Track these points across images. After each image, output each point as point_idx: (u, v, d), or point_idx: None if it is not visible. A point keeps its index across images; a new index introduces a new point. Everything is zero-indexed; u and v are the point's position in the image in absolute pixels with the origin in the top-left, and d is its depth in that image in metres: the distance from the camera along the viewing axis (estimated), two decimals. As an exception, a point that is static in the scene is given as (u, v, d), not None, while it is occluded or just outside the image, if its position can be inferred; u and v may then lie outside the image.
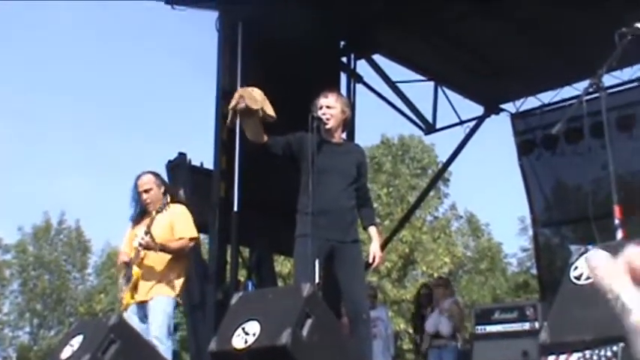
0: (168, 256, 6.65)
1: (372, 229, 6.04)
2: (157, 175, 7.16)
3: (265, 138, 5.79)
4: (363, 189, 6.08)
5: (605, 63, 4.75)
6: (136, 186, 6.94)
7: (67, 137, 50.48)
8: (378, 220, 6.26)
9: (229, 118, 5.78)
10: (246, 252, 11.52)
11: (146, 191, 6.87)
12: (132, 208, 6.95)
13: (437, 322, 10.55)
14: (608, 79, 5.19)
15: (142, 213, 6.87)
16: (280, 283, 17.62)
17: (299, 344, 4.36)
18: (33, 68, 49.81)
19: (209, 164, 10.38)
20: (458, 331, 10.47)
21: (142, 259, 6.64)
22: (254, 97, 5.62)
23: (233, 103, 5.65)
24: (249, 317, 4.59)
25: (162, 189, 6.95)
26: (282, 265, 24.90)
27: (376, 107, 13.73)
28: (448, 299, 10.71)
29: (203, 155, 10.80)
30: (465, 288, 32.19)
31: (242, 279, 11.63)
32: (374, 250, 5.91)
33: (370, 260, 5.94)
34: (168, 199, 6.80)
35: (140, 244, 6.55)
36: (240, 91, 5.69)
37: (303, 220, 5.71)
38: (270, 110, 5.67)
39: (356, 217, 5.95)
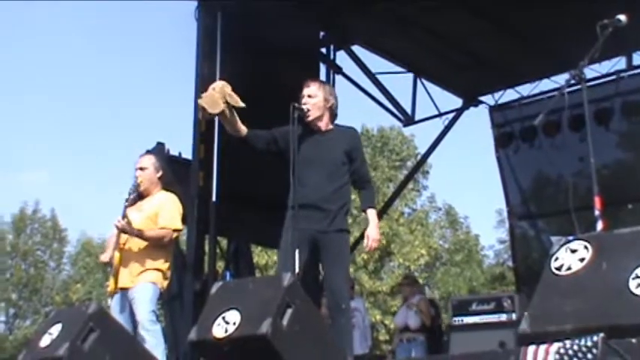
0: (149, 244, 6.58)
1: (371, 212, 6.03)
2: (157, 157, 7.10)
3: (244, 132, 5.79)
4: (358, 172, 6.05)
5: (586, 55, 4.77)
6: (135, 164, 6.88)
7: (41, 127, 50.05)
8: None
9: (201, 117, 5.77)
10: (224, 243, 11.50)
11: (141, 169, 6.80)
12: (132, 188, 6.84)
13: (405, 316, 10.69)
14: (586, 73, 5.20)
15: (138, 196, 6.78)
16: (258, 274, 17.63)
17: (279, 334, 4.36)
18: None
19: (187, 154, 10.34)
20: (426, 325, 10.54)
21: (123, 244, 6.58)
22: (214, 100, 5.60)
23: (199, 114, 5.67)
24: (230, 306, 4.59)
25: (159, 173, 6.88)
26: (260, 256, 24.89)
27: (356, 98, 13.70)
28: (416, 295, 10.84)
29: (181, 145, 10.77)
30: (442, 280, 32.29)
31: (220, 270, 11.61)
32: (369, 232, 5.92)
33: (365, 243, 5.95)
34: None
35: (116, 226, 6.49)
36: (200, 101, 5.67)
37: (287, 213, 5.71)
38: (235, 101, 5.65)
39: (343, 206, 5.91)
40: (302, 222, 5.57)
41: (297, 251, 5.40)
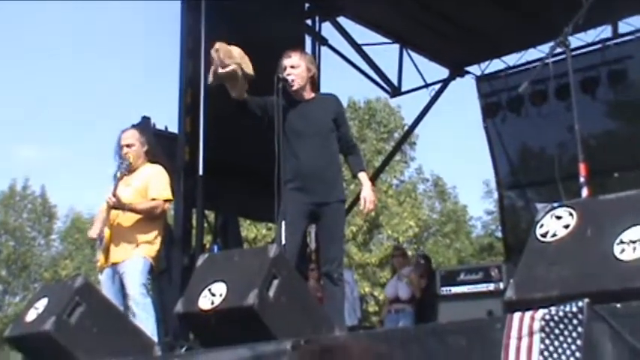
0: (139, 217, 6.56)
1: (362, 175, 6.04)
2: (141, 131, 7.06)
3: (245, 96, 5.72)
4: (345, 138, 6.05)
5: (570, 21, 4.75)
6: (119, 140, 6.83)
7: (26, 103, 49.75)
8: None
9: (210, 79, 5.68)
10: (211, 216, 11.47)
11: (128, 146, 6.76)
12: (115, 164, 6.80)
13: (396, 287, 10.76)
14: (572, 42, 5.18)
15: (125, 170, 6.72)
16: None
17: (266, 305, 4.35)
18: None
19: (173, 128, 10.28)
20: (416, 296, 10.61)
21: (114, 220, 6.56)
22: (230, 53, 5.53)
23: (213, 67, 5.55)
24: (216, 278, 4.58)
25: (145, 147, 6.85)
26: (249, 229, 24.89)
27: (342, 70, 13.67)
28: (407, 267, 10.91)
29: (167, 119, 10.71)
30: (431, 251, 32.37)
31: (207, 244, 11.58)
32: (365, 194, 5.92)
33: (362, 206, 5.96)
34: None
35: (107, 203, 6.47)
36: (217, 45, 5.57)
37: (283, 187, 5.64)
38: (248, 69, 5.59)
39: (338, 174, 5.95)
40: (300, 195, 5.61)
41: (282, 223, 5.39)
